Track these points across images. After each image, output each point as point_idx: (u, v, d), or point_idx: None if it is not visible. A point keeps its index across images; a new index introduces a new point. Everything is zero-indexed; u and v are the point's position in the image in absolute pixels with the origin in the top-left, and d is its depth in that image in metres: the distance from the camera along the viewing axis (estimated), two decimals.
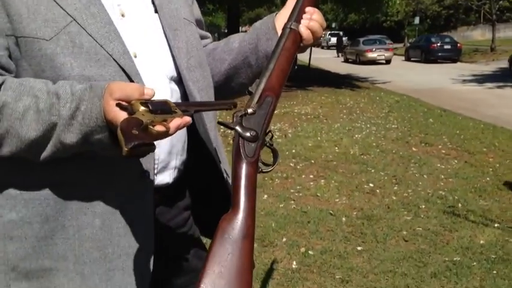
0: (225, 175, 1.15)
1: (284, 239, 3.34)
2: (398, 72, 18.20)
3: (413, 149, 6.12)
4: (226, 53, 1.20)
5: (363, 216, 3.76)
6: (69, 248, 0.94)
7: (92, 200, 0.94)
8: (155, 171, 1.03)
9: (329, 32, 40.35)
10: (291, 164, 5.31)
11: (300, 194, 4.33)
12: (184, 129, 1.10)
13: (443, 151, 6.03)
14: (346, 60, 26.27)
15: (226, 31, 26.33)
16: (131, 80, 0.94)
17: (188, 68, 1.07)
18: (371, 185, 4.62)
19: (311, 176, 4.90)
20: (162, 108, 0.80)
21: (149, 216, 0.99)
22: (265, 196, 4.24)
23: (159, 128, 0.77)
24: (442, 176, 4.93)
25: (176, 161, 1.08)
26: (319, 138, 6.64)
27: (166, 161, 1.05)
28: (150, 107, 0.79)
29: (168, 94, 1.04)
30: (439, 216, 3.78)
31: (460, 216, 3.76)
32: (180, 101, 1.07)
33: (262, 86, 0.94)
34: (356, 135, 6.78)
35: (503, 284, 2.72)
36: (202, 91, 1.09)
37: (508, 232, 3.43)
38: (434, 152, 5.98)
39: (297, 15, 1.05)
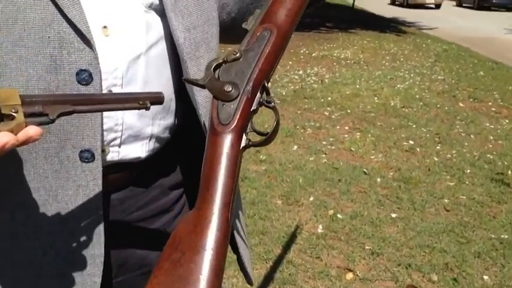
0: None
1: (311, 198, 3.05)
2: (448, 18, 17.05)
3: (460, 104, 5.63)
4: None
5: (400, 178, 3.42)
6: None
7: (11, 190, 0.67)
8: (117, 142, 0.74)
9: None
10: (326, 113, 4.94)
11: (333, 147, 4.00)
12: (169, 82, 0.79)
13: (493, 109, 5.53)
14: (393, 3, 24.82)
15: None
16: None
17: None
18: (411, 142, 4.23)
19: (346, 128, 4.54)
20: None
21: (96, 208, 0.71)
22: (295, 147, 3.93)
23: None
24: (491, 137, 4.49)
25: (153, 128, 0.78)
26: (357, 86, 6.20)
27: (135, 127, 0.76)
28: None
29: (141, 29, 0.74)
30: (485, 184, 3.40)
31: (510, 185, 3.38)
32: (156, 47, 0.76)
33: (259, 17, 0.64)
34: (398, 85, 6.29)
35: None
36: (191, 32, 0.77)
37: None
38: (483, 109, 5.48)
39: None
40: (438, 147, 4.16)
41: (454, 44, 10.62)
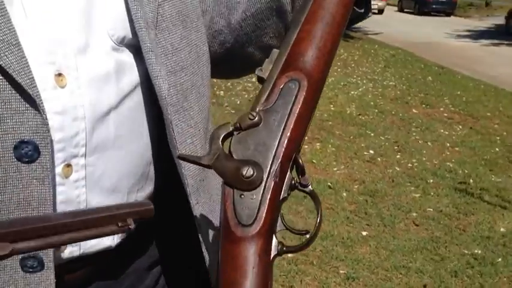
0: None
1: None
2: (391, 24, 17.47)
3: (414, 110, 5.65)
4: None
5: (366, 192, 3.31)
6: None
7: None
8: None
9: None
10: None
11: None
12: (147, 143, 0.59)
13: (446, 114, 5.59)
14: None
15: None
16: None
17: (155, 21, 0.56)
18: (371, 151, 4.15)
19: (305, 138, 4.40)
20: None
21: None
22: None
23: None
24: (448, 144, 4.50)
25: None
26: None
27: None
28: None
29: (109, 75, 0.54)
30: (450, 195, 3.35)
31: (474, 195, 3.34)
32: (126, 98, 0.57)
33: (279, 61, 0.47)
34: (352, 92, 6.26)
35: None
36: (178, 76, 0.57)
37: None
38: (436, 115, 5.52)
39: None
40: (398, 156, 4.10)
41: (401, 49, 10.84)
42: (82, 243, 0.55)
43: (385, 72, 7.88)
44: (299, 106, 0.45)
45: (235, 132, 0.44)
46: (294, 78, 0.46)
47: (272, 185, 0.43)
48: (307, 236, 0.48)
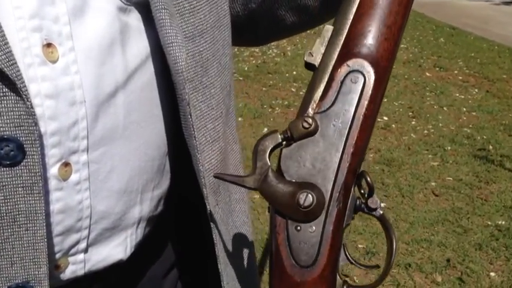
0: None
1: None
2: None
3: (427, 74, 5.46)
4: None
5: (382, 161, 3.19)
6: None
7: None
8: (82, 246, 0.44)
9: None
10: (293, 89, 4.65)
11: None
12: (162, 130, 0.47)
13: (460, 77, 5.40)
14: None
15: None
16: None
17: None
18: (385, 118, 4.01)
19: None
20: None
21: None
22: (265, 129, 3.63)
23: None
24: (464, 109, 4.34)
25: (143, 206, 0.48)
26: None
27: (113, 214, 0.45)
28: None
29: (115, 43, 0.42)
30: (470, 163, 3.22)
31: (494, 162, 3.21)
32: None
33: (336, 45, 0.37)
34: None
35: None
36: (196, 43, 0.46)
37: None
38: (451, 79, 5.34)
39: None
40: (413, 123, 3.96)
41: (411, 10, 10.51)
42: (87, 259, 0.44)
43: None
44: (365, 107, 0.34)
45: (284, 143, 0.35)
46: (356, 68, 0.35)
47: (335, 213, 0.32)
48: (378, 269, 0.37)
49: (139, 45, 0.43)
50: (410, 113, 4.19)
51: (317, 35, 0.46)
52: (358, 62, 0.36)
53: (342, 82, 0.36)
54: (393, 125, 3.88)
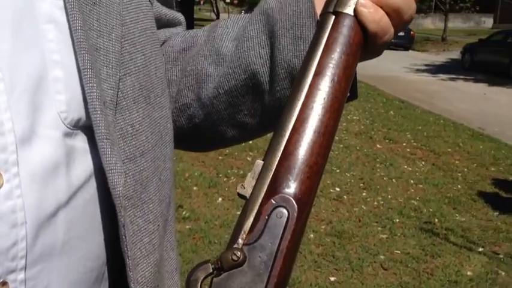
0: None
1: None
2: None
3: (378, 145, 5.70)
4: (209, 60, 0.60)
5: (333, 232, 3.25)
6: None
7: None
8: None
9: None
10: (248, 158, 4.73)
11: None
12: (101, 242, 0.50)
13: (408, 150, 5.66)
14: None
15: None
16: None
17: (114, 99, 0.48)
18: (337, 189, 4.13)
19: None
20: None
21: None
22: (220, 199, 3.65)
23: None
24: (412, 181, 4.53)
25: None
26: None
27: None
28: None
29: (59, 165, 0.44)
30: (416, 235, 3.33)
31: (440, 236, 3.34)
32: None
33: (264, 181, 0.41)
34: None
35: None
36: (137, 163, 0.49)
37: (495, 260, 3.03)
38: (399, 151, 5.59)
39: None
40: (364, 194, 4.09)
41: (363, 83, 11.04)
42: None
43: (348, 105, 7.97)
44: (288, 241, 0.38)
45: (214, 273, 0.38)
46: (281, 204, 0.39)
47: None
48: None
49: (84, 164, 0.46)
50: (362, 184, 4.33)
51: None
52: (284, 198, 0.40)
53: (268, 216, 0.39)
54: (345, 196, 3.99)
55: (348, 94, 0.49)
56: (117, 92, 0.47)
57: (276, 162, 0.41)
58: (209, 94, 0.59)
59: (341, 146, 5.47)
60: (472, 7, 25.53)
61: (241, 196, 0.42)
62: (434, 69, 15.82)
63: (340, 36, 0.45)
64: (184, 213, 3.32)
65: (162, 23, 0.63)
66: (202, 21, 35.03)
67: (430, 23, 32.96)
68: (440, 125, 7.18)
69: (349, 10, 0.45)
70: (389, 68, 14.67)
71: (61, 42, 0.44)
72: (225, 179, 4.09)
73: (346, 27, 0.46)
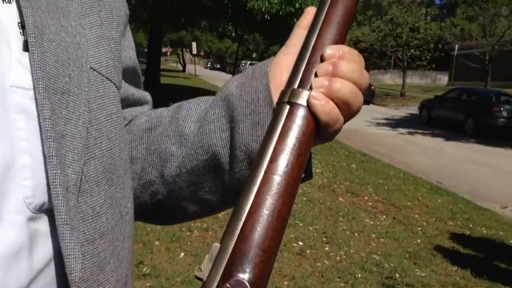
0: None
1: None
2: None
3: (340, 199, 5.78)
4: (173, 140, 0.62)
5: None
6: None
7: None
8: None
9: (249, 63, 40.39)
10: None
11: None
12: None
13: (370, 203, 5.76)
14: None
15: (146, 50, 25.18)
16: None
17: (77, 184, 0.49)
18: (300, 243, 4.13)
19: None
20: None
21: None
22: (182, 254, 3.59)
23: None
24: (373, 235, 4.59)
25: None
26: None
27: None
28: None
29: (22, 251, 0.46)
30: None
31: None
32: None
33: (222, 262, 0.42)
34: None
35: None
36: (96, 245, 0.51)
37: None
38: (361, 204, 5.68)
39: (307, 66, 0.50)
40: (327, 248, 4.11)
41: None
42: None
43: (312, 159, 8.11)
44: None
45: None
46: (240, 282, 0.42)
47: None
48: None
49: (45, 247, 0.47)
50: (324, 238, 4.35)
51: None
52: (238, 282, 0.42)
53: None
54: (308, 251, 3.99)
55: (303, 175, 0.53)
56: (81, 176, 0.49)
57: (232, 246, 0.43)
58: (172, 172, 0.61)
59: (304, 199, 5.52)
60: (428, 65, 26.83)
61: (198, 278, 0.44)
62: (394, 123, 16.36)
63: (294, 126, 0.49)
64: (145, 269, 3.25)
65: (129, 102, 0.67)
66: (169, 72, 35.41)
67: (389, 79, 34.36)
68: (400, 178, 7.37)
69: (302, 101, 0.49)
70: (352, 121, 14.91)
71: (30, 130, 0.47)
72: (188, 233, 4.04)
73: (299, 117, 0.49)
